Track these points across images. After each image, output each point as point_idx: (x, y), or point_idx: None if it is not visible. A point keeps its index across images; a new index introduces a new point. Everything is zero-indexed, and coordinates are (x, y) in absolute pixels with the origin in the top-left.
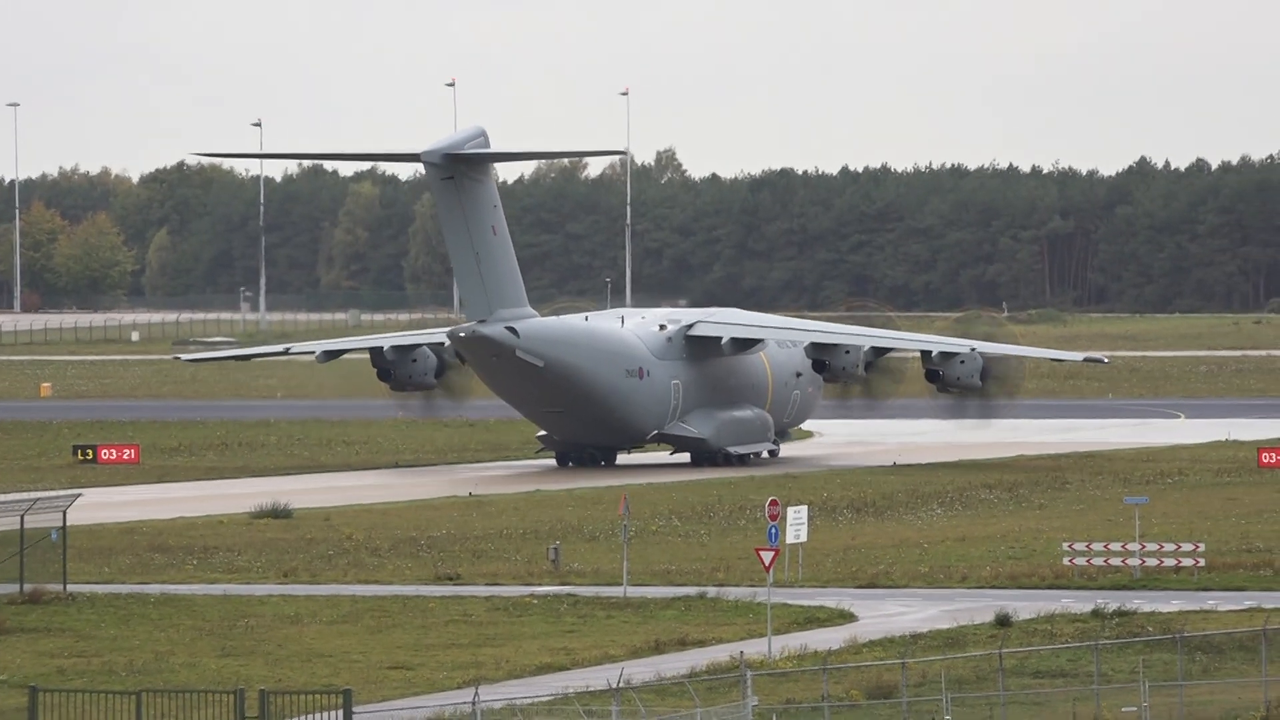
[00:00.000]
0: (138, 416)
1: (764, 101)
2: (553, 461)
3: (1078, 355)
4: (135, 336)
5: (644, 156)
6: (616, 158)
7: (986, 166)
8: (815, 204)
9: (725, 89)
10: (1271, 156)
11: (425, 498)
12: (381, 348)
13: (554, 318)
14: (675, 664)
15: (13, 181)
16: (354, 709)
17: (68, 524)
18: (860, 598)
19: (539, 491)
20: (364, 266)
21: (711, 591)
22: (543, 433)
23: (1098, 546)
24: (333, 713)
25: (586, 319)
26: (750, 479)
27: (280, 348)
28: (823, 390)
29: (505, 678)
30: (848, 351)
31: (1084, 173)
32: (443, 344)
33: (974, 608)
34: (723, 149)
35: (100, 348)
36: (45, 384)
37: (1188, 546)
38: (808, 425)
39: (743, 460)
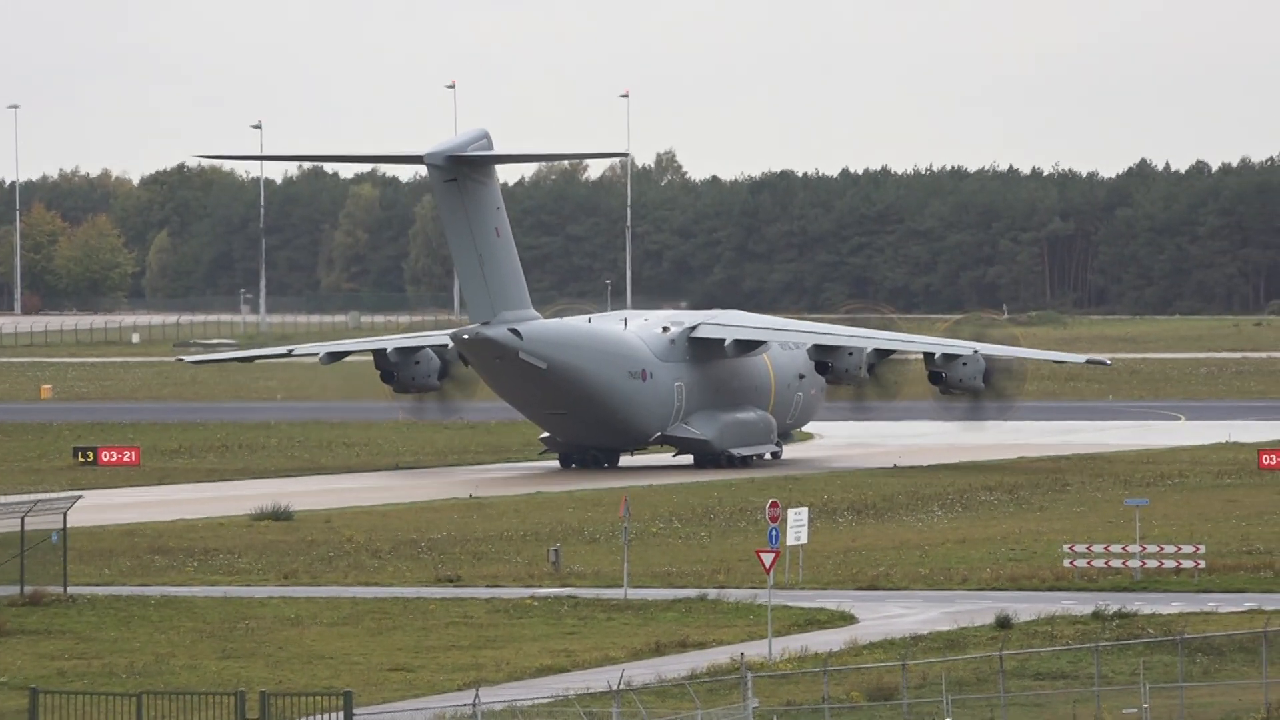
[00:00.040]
0: (138, 418)
1: (764, 103)
2: (555, 463)
3: (1080, 357)
4: (135, 338)
5: (644, 158)
6: (616, 159)
7: (986, 168)
8: (815, 206)
9: (725, 91)
10: (1272, 158)
11: (426, 500)
12: (385, 350)
13: (557, 320)
14: (676, 666)
15: (13, 183)
16: (354, 711)
17: (68, 526)
18: (861, 600)
19: (539, 493)
20: (364, 268)
21: (712, 593)
22: (546, 434)
23: (1098, 548)
24: (333, 714)
25: (589, 321)
26: (750, 481)
27: (284, 349)
28: (825, 392)
29: (506, 679)
30: (850, 353)
31: (1084, 174)
32: (446, 346)
33: (974, 609)
34: (723, 151)
35: (100, 349)
36: (46, 386)
37: (1188, 548)
38: (808, 427)
39: (746, 462)
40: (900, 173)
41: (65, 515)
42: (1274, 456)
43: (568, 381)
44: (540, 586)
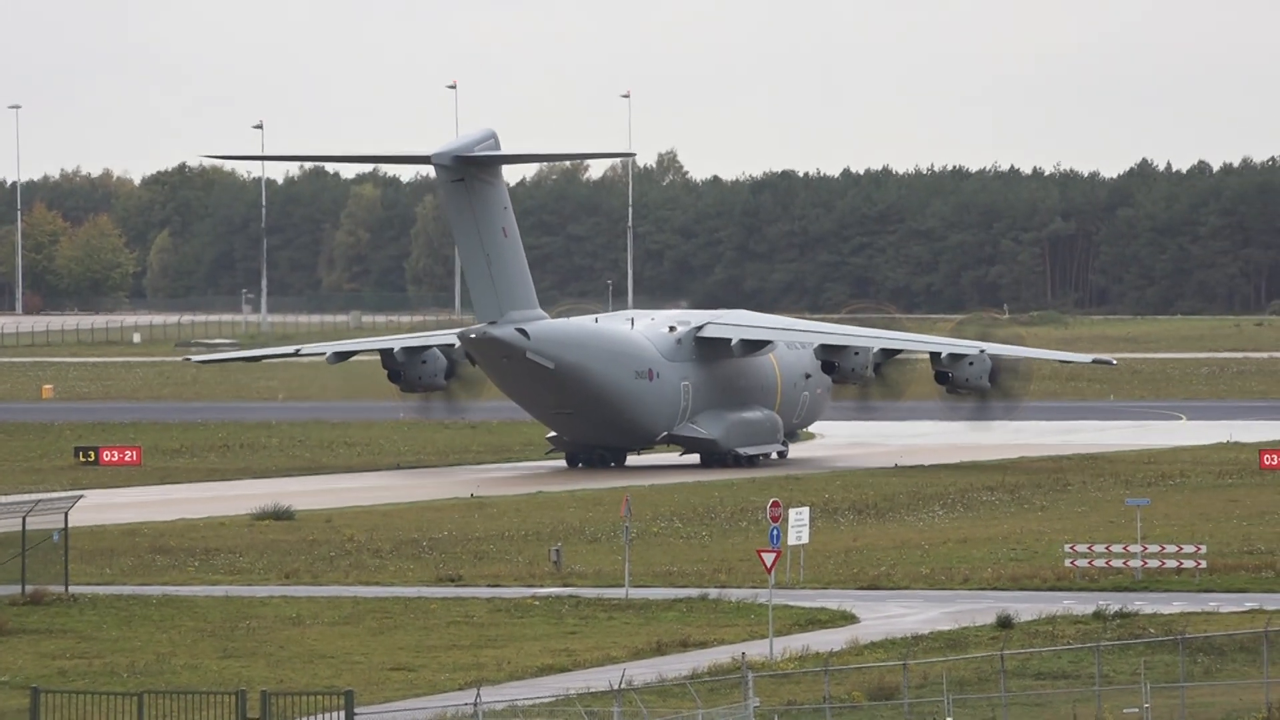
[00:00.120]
0: (139, 418)
1: (765, 103)
2: (559, 463)
3: (1086, 357)
4: (137, 338)
5: (645, 158)
6: (617, 159)
7: (988, 168)
8: (816, 206)
9: (726, 90)
10: (1273, 158)
11: (427, 499)
12: (392, 349)
13: (564, 319)
14: (677, 665)
15: (14, 183)
16: (356, 710)
17: (69, 525)
18: (862, 599)
19: (541, 493)
20: (365, 268)
21: (713, 593)
22: (553, 434)
23: (1099, 548)
24: (335, 714)
25: (596, 321)
26: (752, 480)
27: (290, 349)
28: (831, 391)
29: (507, 679)
30: (857, 353)
31: (1085, 174)
32: (453, 345)
33: (975, 609)
34: (724, 151)
35: (102, 349)
36: (47, 386)
37: (1189, 548)
38: (811, 427)
39: (752, 461)
40: (901, 173)
41: (66, 515)
42: (1275, 456)
43: (575, 381)
44: (541, 586)
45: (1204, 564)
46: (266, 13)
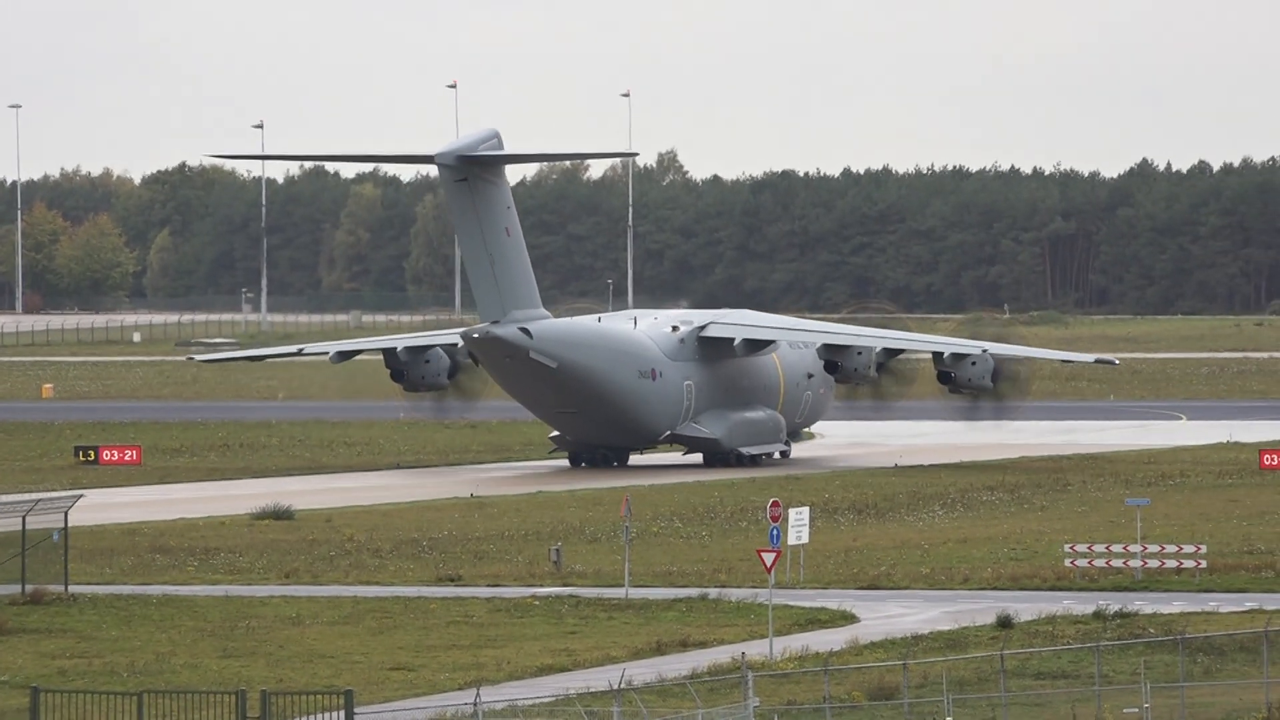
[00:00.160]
0: (139, 417)
1: (765, 103)
2: (561, 462)
3: (1089, 357)
4: (137, 338)
5: (645, 158)
6: (617, 159)
7: (988, 168)
8: (817, 206)
9: (726, 90)
10: (1273, 158)
11: (427, 499)
12: (395, 348)
13: (567, 319)
14: (677, 665)
15: (14, 182)
16: (355, 710)
17: (69, 525)
18: (862, 599)
19: (541, 493)
20: (365, 268)
21: (713, 593)
22: (555, 433)
23: (1099, 548)
24: (334, 713)
25: (600, 320)
26: (751, 480)
27: (294, 348)
28: (834, 391)
29: (506, 679)
30: (860, 353)
31: (1085, 174)
32: (456, 345)
33: (975, 609)
34: (724, 150)
35: (102, 349)
36: (47, 385)
37: (1189, 548)
38: (811, 426)
39: (755, 461)
40: (901, 172)
41: (66, 514)
42: (1275, 456)
43: (578, 380)
44: (541, 586)
45: (1204, 564)
46: (267, 13)
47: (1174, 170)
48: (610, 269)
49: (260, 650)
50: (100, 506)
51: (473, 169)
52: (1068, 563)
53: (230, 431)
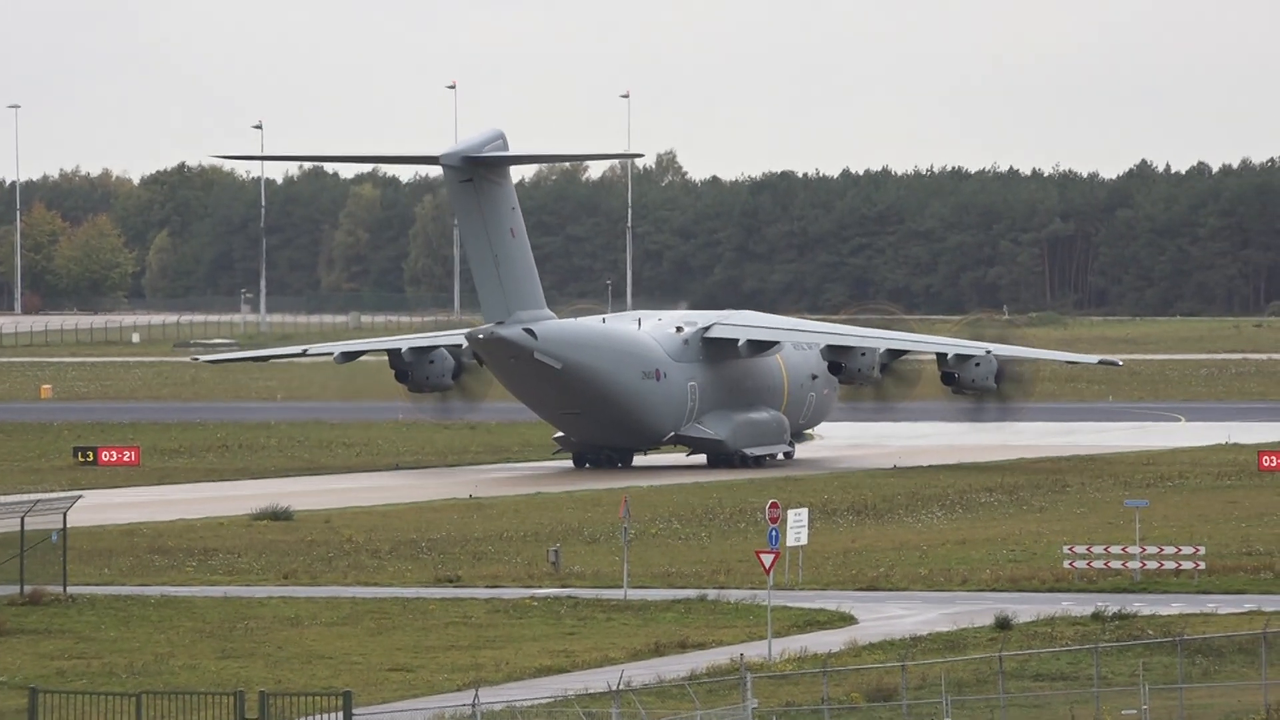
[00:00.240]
0: (138, 418)
1: (764, 103)
2: (561, 463)
3: (1092, 358)
4: (136, 338)
5: (644, 159)
6: (619, 160)
7: (987, 169)
8: (816, 206)
9: (725, 91)
10: (1272, 159)
11: (425, 500)
12: (399, 349)
13: (572, 320)
14: (675, 666)
15: (14, 183)
16: (354, 711)
17: (68, 526)
18: (860, 600)
19: (539, 494)
20: (364, 268)
21: (712, 594)
22: (560, 434)
23: (1098, 549)
24: (333, 714)
25: (604, 321)
26: (750, 481)
27: (298, 349)
28: (838, 392)
29: (505, 680)
30: (863, 354)
31: (1084, 175)
32: (460, 346)
33: (974, 610)
34: (723, 151)
35: (100, 349)
36: (46, 386)
37: (1188, 549)
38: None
39: (759, 462)
40: (900, 173)
41: (65, 515)
42: (1274, 458)
43: (582, 381)
44: (540, 587)
45: (1202, 565)
46: (267, 13)
47: (1173, 171)
48: (609, 270)
49: (259, 651)
50: (99, 507)
51: (478, 170)
52: (1066, 564)
53: (229, 432)
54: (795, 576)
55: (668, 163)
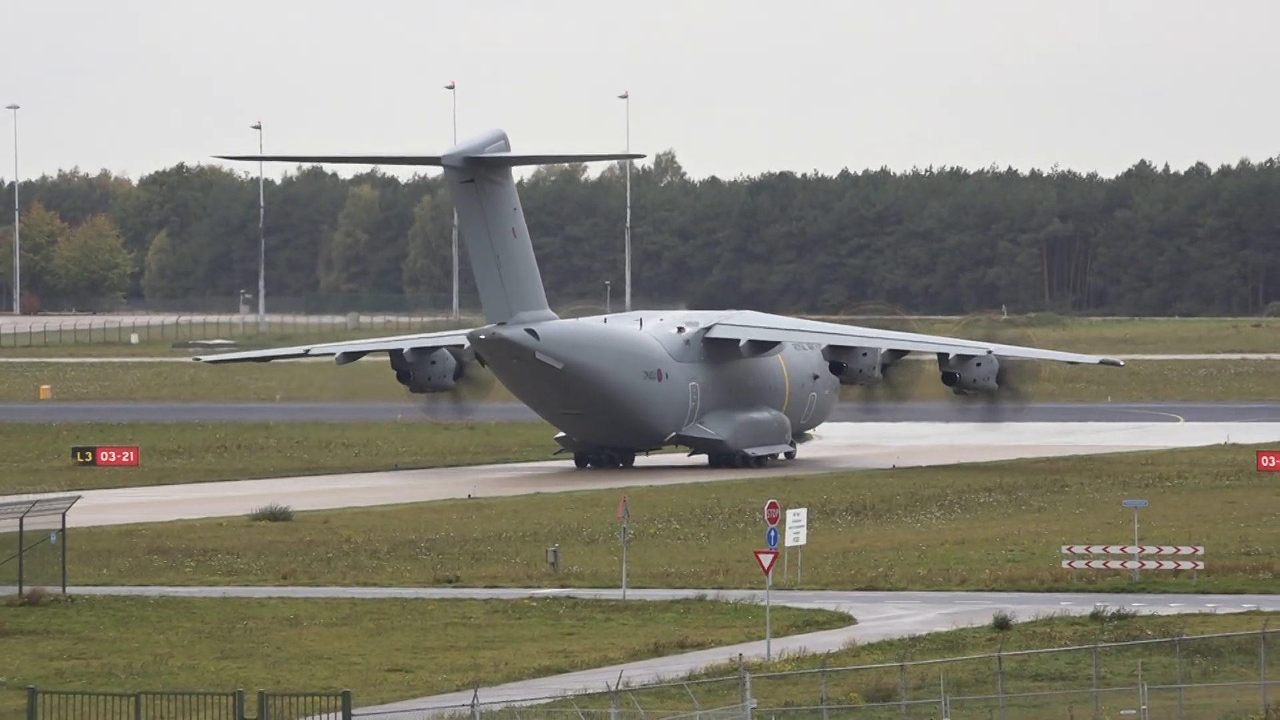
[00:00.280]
0: (137, 419)
1: (764, 104)
2: (561, 464)
3: (1094, 358)
4: (134, 339)
5: (644, 159)
6: (616, 161)
7: (986, 170)
8: (814, 207)
9: (725, 91)
10: (1271, 160)
11: (425, 500)
12: (401, 350)
13: (573, 320)
14: (674, 666)
15: (12, 183)
16: (353, 711)
17: (67, 526)
18: (859, 600)
19: (538, 494)
20: (363, 269)
21: (710, 594)
22: (561, 434)
23: (1097, 549)
24: (332, 715)
25: (605, 321)
26: (749, 482)
27: (300, 349)
28: (839, 392)
29: (504, 680)
30: (865, 354)
31: (1083, 176)
32: (462, 346)
33: (973, 610)
34: (722, 152)
35: (99, 350)
36: (44, 386)
37: (1187, 549)
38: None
39: (760, 462)
40: (899, 174)
41: (64, 515)
42: (1272, 458)
43: (584, 382)
44: (539, 587)
45: (1201, 565)
46: (267, 13)
47: (1172, 172)
48: (608, 270)
49: (258, 651)
50: (98, 508)
51: (479, 170)
52: (1065, 564)
53: (228, 433)
54: (794, 577)
55: (666, 163)
